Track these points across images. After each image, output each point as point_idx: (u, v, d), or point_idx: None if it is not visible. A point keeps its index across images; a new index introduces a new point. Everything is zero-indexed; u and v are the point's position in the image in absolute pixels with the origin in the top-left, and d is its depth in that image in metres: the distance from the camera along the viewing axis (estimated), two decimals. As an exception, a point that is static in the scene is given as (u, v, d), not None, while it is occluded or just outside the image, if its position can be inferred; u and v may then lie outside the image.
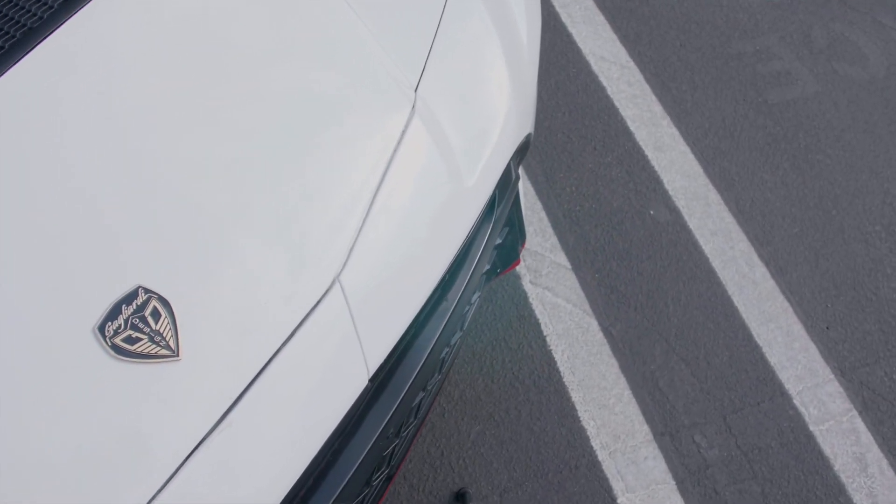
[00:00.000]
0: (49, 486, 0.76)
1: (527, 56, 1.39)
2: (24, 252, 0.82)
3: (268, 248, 0.94)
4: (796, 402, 2.01)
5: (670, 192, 2.39)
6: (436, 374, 1.37)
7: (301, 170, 1.00)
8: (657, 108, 2.62)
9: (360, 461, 1.06)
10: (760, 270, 2.24)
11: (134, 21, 1.00)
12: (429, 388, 1.37)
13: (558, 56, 2.77)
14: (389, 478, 1.43)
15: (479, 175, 1.18)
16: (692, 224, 2.32)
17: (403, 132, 1.09)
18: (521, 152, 1.42)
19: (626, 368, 2.03)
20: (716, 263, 2.24)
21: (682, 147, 2.51)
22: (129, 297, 0.83)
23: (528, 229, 2.25)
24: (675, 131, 2.56)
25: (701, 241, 2.29)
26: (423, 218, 1.08)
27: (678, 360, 2.05)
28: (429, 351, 1.14)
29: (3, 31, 0.93)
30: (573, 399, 1.97)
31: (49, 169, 0.87)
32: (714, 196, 2.39)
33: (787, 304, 2.17)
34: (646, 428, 1.94)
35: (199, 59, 1.01)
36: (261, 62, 1.06)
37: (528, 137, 1.41)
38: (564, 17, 2.90)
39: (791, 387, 2.03)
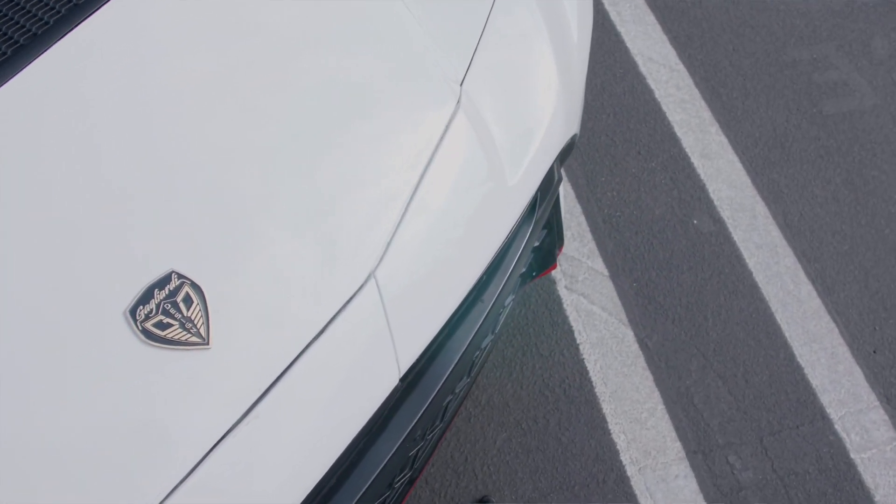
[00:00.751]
0: (70, 468, 0.77)
1: (577, 55, 1.38)
2: (60, 233, 0.84)
3: (301, 240, 0.95)
4: (837, 427, 1.98)
5: (715, 202, 2.37)
6: (465, 378, 1.37)
7: (338, 161, 1.01)
8: (706, 113, 2.60)
9: (385, 463, 1.07)
10: (806, 288, 2.21)
11: (167, 3, 1.01)
12: (457, 391, 1.37)
13: (605, 55, 2.75)
14: (412, 481, 1.43)
15: (522, 175, 1.17)
16: (737, 236, 2.30)
17: (447, 127, 1.09)
18: (565, 153, 1.42)
19: (660, 382, 2.01)
20: (759, 278, 2.22)
21: (731, 156, 2.49)
22: (162, 282, 0.84)
23: (567, 233, 2.24)
24: (723, 139, 2.53)
25: (745, 255, 2.26)
26: (462, 216, 1.08)
27: (715, 377, 2.03)
28: (461, 353, 1.14)
29: (36, 17, 0.94)
30: (604, 411, 1.95)
31: (84, 154, 0.89)
32: (761, 208, 2.36)
33: (832, 325, 2.14)
34: (678, 445, 1.92)
35: (234, 43, 1.02)
36: (299, 48, 1.06)
37: (573, 138, 1.40)
38: (613, 16, 2.89)
39: (833, 411, 2.00)
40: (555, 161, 1.31)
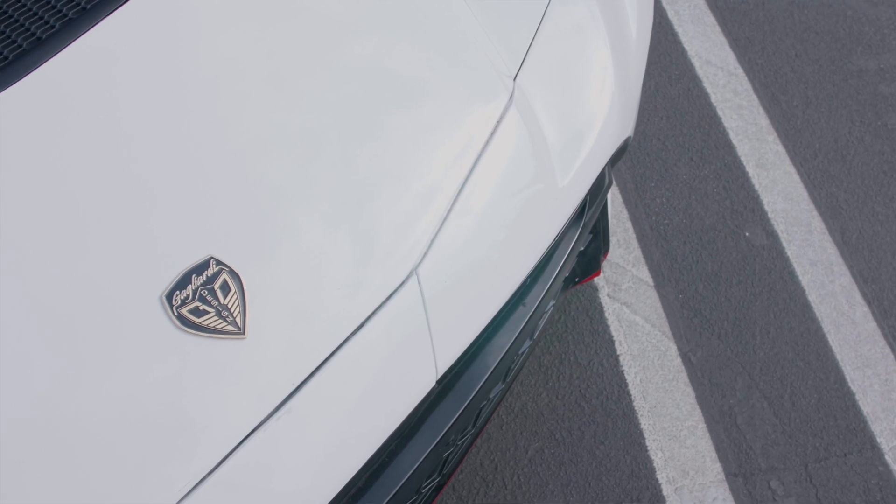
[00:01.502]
0: (93, 453, 0.77)
1: (635, 54, 1.37)
2: (100, 215, 0.85)
3: (340, 232, 0.95)
4: (888, 458, 1.94)
5: (769, 215, 2.34)
6: (500, 383, 1.37)
7: (380, 151, 1.01)
8: (764, 121, 2.56)
9: (416, 466, 1.07)
10: (862, 310, 2.16)
11: None
12: (491, 396, 1.36)
13: (661, 56, 2.73)
14: (439, 487, 1.43)
15: (573, 177, 1.17)
16: (790, 251, 2.26)
17: (498, 122, 1.09)
18: (618, 156, 1.41)
19: (702, 399, 1.99)
20: (812, 297, 2.18)
21: (788, 167, 2.45)
22: (200, 268, 0.85)
23: (612, 239, 2.22)
24: (780, 149, 2.49)
25: (798, 271, 2.23)
26: (510, 214, 1.07)
27: (760, 397, 2.00)
28: (500, 357, 1.13)
29: None
30: (642, 426, 1.94)
31: (124, 138, 0.90)
32: (818, 223, 2.33)
33: (887, 350, 2.10)
34: (718, 466, 1.90)
35: (277, 25, 1.03)
36: (345, 32, 1.06)
37: (626, 141, 1.39)
38: (671, 15, 2.86)
39: (884, 441, 1.96)
40: (606, 164, 1.30)
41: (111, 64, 0.93)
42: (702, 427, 1.95)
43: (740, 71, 2.70)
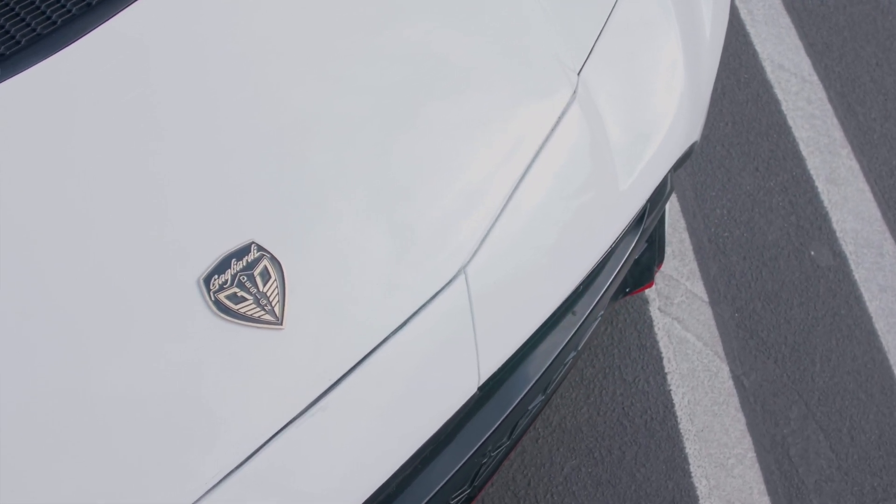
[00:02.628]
0: (120, 439, 0.78)
1: (707, 53, 1.36)
2: (138, 193, 0.86)
3: (385, 225, 0.95)
4: (952, 503, 1.90)
5: (838, 234, 2.30)
6: (540, 395, 1.37)
7: (432, 142, 1.01)
8: (838, 133, 2.52)
9: (449, 475, 1.07)
10: (932, 342, 2.13)
11: None
12: (531, 407, 1.36)
13: (730, 57, 2.70)
14: (469, 500, 1.43)
15: (635, 180, 1.16)
16: (858, 275, 2.23)
17: (559, 119, 1.08)
18: (681, 162, 1.40)
19: (753, 427, 1.97)
20: (880, 325, 2.15)
21: (861, 184, 2.41)
22: (241, 252, 0.86)
23: (667, 249, 2.21)
24: (854, 164, 2.46)
25: (866, 296, 2.19)
26: (567, 216, 1.07)
27: (816, 429, 1.97)
28: (546, 367, 1.13)
29: None
30: (687, 450, 1.92)
31: (171, 115, 0.91)
32: (890, 247, 2.29)
33: (958, 388, 2.07)
34: (766, 500, 1.88)
35: (322, 4, 1.03)
36: (395, 13, 1.07)
37: (692, 146, 1.38)
38: (744, 14, 2.83)
39: (948, 485, 1.93)
40: (670, 169, 1.29)
41: (145, 42, 0.95)
42: (751, 456, 1.93)
43: (815, 78, 2.66)
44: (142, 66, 0.94)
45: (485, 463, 1.30)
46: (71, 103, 0.90)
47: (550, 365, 1.14)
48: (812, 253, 2.26)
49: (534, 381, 1.13)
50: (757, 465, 1.92)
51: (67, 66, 0.91)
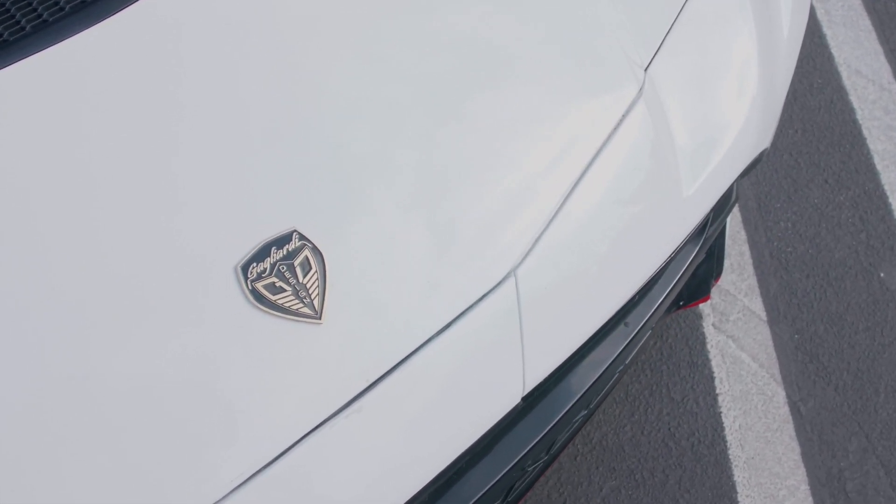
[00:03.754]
0: (143, 431, 0.79)
1: (784, 56, 1.34)
2: (180, 172, 0.87)
3: (432, 219, 0.95)
4: None
5: (911, 256, 2.27)
6: (584, 409, 1.36)
7: (483, 136, 1.01)
8: (916, 148, 2.49)
9: (484, 490, 1.07)
10: None
11: None
12: (573, 422, 1.36)
13: (804, 60, 2.67)
14: (502, 515, 1.43)
15: (700, 187, 1.15)
16: (931, 301, 2.20)
17: (623, 117, 1.08)
18: (749, 169, 1.38)
19: (808, 457, 1.94)
20: (951, 356, 2.12)
21: (939, 203, 2.38)
22: (282, 240, 0.86)
23: (725, 262, 2.18)
24: (933, 181, 2.42)
25: (938, 325, 2.16)
26: (625, 221, 1.07)
27: (877, 464, 1.94)
28: (593, 380, 1.13)
29: None
30: (735, 478, 1.90)
31: (212, 97, 0.92)
32: (967, 272, 2.25)
33: None
34: (818, 536, 1.86)
35: None
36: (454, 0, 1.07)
37: (761, 154, 1.37)
38: (821, 14, 2.80)
39: None
40: (737, 177, 1.28)
41: (177, 22, 0.96)
42: (804, 489, 1.90)
43: (895, 87, 2.62)
44: (176, 45, 0.95)
45: (521, 478, 1.30)
46: (102, 81, 0.91)
47: (598, 378, 1.14)
48: (882, 275, 2.23)
49: (580, 395, 1.12)
50: (810, 499, 1.89)
51: (95, 42, 0.92)
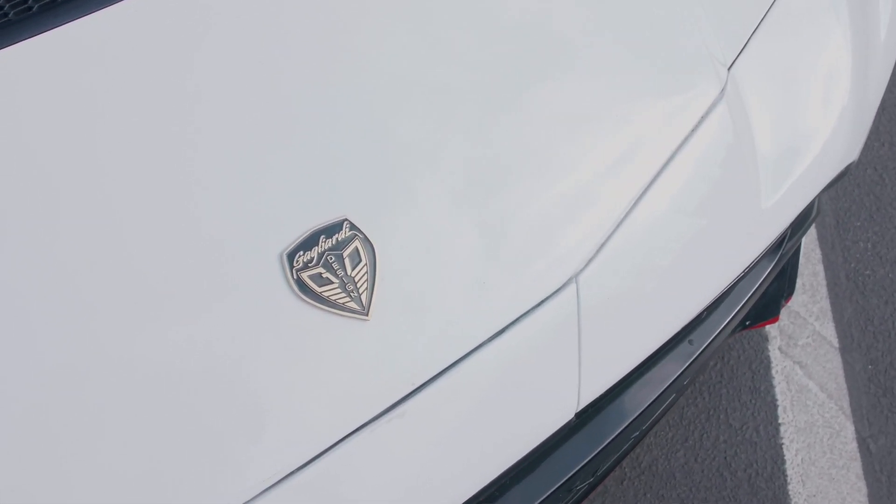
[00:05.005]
0: (173, 422, 0.79)
1: (879, 61, 1.32)
2: (227, 153, 0.88)
3: (493, 218, 0.95)
4: None
5: None
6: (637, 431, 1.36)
7: (549, 129, 1.01)
8: None
9: (527, 509, 1.07)
10: None
11: None
12: (625, 444, 1.35)
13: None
14: (541, 538, 1.43)
15: (780, 199, 1.14)
16: None
17: (702, 119, 1.07)
18: (833, 183, 1.37)
19: (876, 499, 1.92)
20: None
21: None
22: (332, 229, 0.87)
23: (798, 282, 2.16)
24: None
25: None
26: (698, 230, 1.06)
27: (950, 512, 1.92)
28: (652, 400, 1.12)
29: None
30: (794, 516, 1.89)
31: (258, 68, 0.93)
32: None
33: None
34: (881, 586, 1.83)
35: None
36: None
37: (847, 167, 1.35)
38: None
39: None
40: (820, 191, 1.27)
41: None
42: (869, 533, 1.88)
43: None
44: (207, 22, 0.95)
45: (565, 500, 1.30)
46: (131, 59, 0.91)
47: (658, 398, 1.13)
48: (968, 306, 2.20)
49: (636, 414, 1.12)
50: (875, 545, 1.87)
51: (120, 17, 0.93)
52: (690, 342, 1.16)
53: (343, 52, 0.97)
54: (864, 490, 1.93)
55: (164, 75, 0.91)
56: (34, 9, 0.91)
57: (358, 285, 0.86)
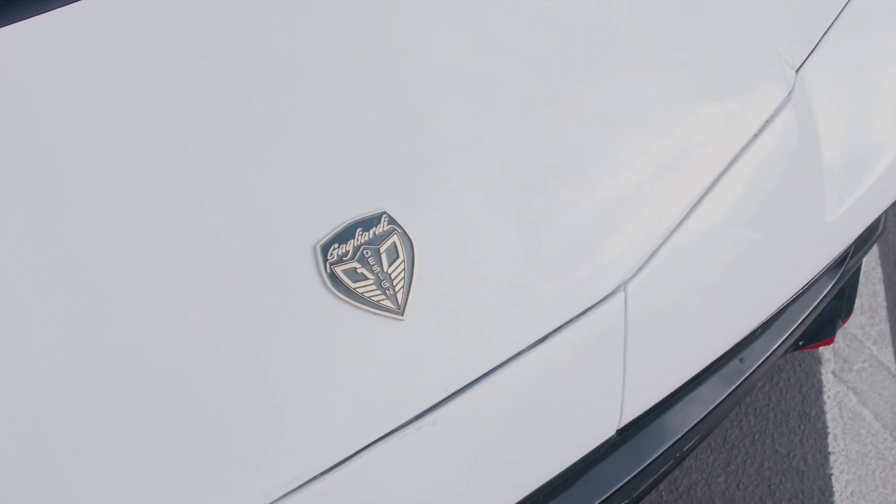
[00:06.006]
0: (192, 422, 0.79)
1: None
2: (262, 140, 0.88)
3: (536, 219, 0.95)
4: None
5: None
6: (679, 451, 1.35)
7: (596, 127, 1.00)
8: None
9: (559, 530, 1.06)
10: None
11: None
12: (666, 465, 1.34)
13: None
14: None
15: (846, 212, 1.13)
16: None
17: (766, 123, 1.06)
18: (899, 199, 1.36)
19: (929, 538, 1.90)
20: None
21: None
22: (369, 222, 0.87)
23: (856, 302, 2.14)
24: None
25: None
26: (757, 241, 1.05)
27: None
28: (698, 420, 1.11)
29: None
30: (840, 552, 1.87)
31: (300, 57, 0.93)
32: None
33: None
34: None
35: None
36: None
37: (919, 181, 1.34)
38: None
39: None
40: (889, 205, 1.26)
41: None
42: (921, 575, 1.86)
43: None
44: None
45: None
46: (160, 37, 0.92)
47: (704, 418, 1.13)
48: None
49: (680, 435, 1.11)
50: (926, 587, 1.85)
51: None
52: (741, 360, 1.16)
53: (379, 34, 0.97)
54: (918, 528, 1.91)
55: (185, 60, 0.91)
56: None
57: (394, 283, 0.86)
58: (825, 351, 2.09)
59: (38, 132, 0.85)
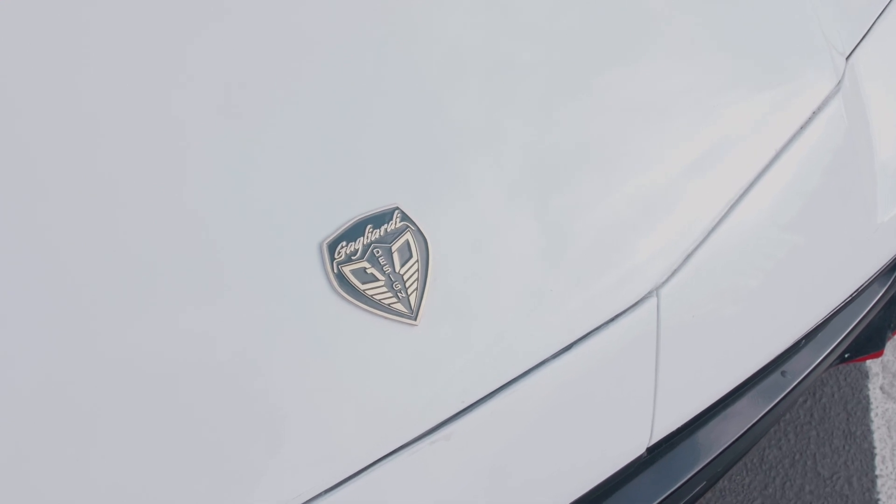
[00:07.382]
0: (183, 430, 0.79)
1: None
2: (267, 129, 0.88)
3: (561, 218, 0.94)
4: None
5: None
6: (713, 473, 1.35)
7: (627, 118, 1.00)
8: None
9: (583, 555, 1.06)
10: None
11: None
12: (698, 487, 1.34)
13: None
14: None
15: (898, 214, 1.13)
16: None
17: (813, 115, 1.06)
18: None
19: (984, 571, 1.89)
20: None
21: None
22: (380, 218, 0.86)
23: (906, 312, 2.14)
24: None
25: None
26: (802, 244, 1.05)
27: None
28: (735, 437, 1.11)
29: None
30: (887, 584, 1.86)
31: (307, 38, 0.93)
32: None
33: None
34: None
35: None
36: None
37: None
38: None
39: None
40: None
41: None
42: None
43: None
44: None
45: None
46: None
47: (740, 437, 1.12)
48: None
49: (714, 455, 1.11)
50: None
51: None
52: (783, 374, 1.15)
53: (392, 13, 0.97)
54: (972, 559, 1.90)
55: (178, 37, 0.91)
56: None
57: (407, 284, 0.86)
58: (873, 364, 2.09)
59: (17, 123, 0.85)
